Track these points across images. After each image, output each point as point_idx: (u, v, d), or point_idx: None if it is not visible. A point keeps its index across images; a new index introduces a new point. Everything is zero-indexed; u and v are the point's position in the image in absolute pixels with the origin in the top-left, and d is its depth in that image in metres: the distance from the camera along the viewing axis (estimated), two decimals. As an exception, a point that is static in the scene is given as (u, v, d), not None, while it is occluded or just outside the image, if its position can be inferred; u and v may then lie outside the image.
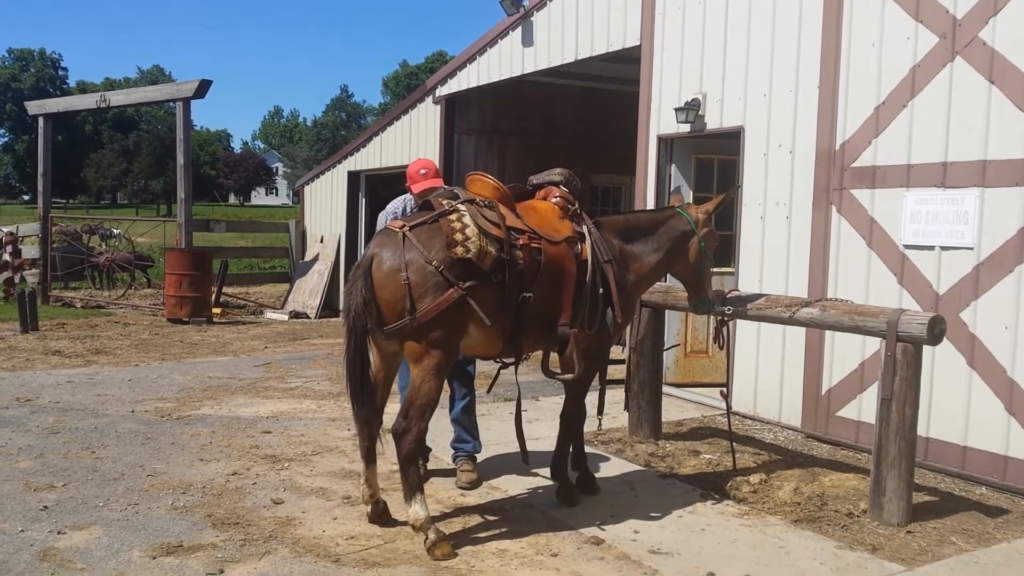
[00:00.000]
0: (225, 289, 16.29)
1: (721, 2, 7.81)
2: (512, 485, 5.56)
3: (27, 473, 5.59)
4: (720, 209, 5.59)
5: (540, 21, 10.36)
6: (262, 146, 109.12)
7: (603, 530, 4.80)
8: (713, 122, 7.97)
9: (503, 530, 4.77)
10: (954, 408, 5.98)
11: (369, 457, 4.73)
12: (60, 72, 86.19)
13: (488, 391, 5.45)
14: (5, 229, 18.60)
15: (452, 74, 12.53)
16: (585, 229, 5.00)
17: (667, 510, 5.14)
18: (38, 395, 7.93)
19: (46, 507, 4.96)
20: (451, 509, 5.11)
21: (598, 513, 5.05)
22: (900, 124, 6.33)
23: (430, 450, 5.87)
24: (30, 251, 17.75)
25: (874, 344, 5.88)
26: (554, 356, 5.01)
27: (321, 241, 16.46)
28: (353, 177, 15.80)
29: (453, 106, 13.20)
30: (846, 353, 6.67)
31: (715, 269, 6.02)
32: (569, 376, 4.99)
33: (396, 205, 5.70)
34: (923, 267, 6.19)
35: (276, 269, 21.17)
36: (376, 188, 15.46)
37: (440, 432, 6.00)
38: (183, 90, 14.83)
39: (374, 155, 14.99)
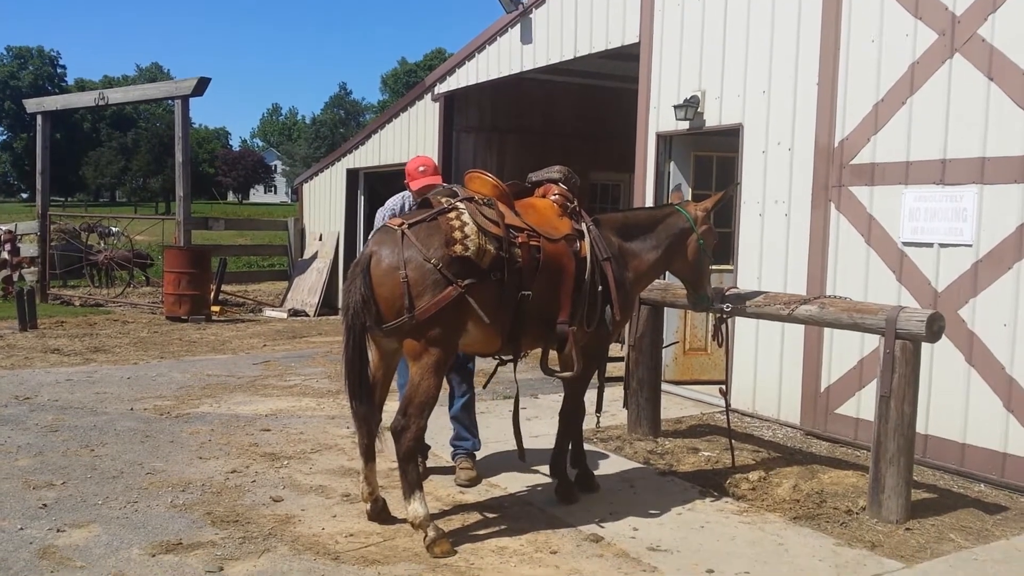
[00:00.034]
0: (224, 287, 16.29)
1: (720, -1, 7.81)
2: (511, 483, 5.56)
3: (26, 471, 5.59)
4: (719, 206, 5.58)
5: (539, 18, 10.36)
6: (261, 144, 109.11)
7: (602, 527, 4.80)
8: (712, 119, 7.97)
9: (502, 527, 4.77)
10: (953, 405, 5.99)
11: (368, 455, 4.73)
12: (58, 70, 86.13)
13: (484, 386, 5.45)
14: (4, 227, 18.60)
15: (451, 71, 12.52)
16: (584, 227, 4.99)
17: (666, 507, 5.14)
18: (37, 393, 7.93)
19: (45, 505, 4.96)
20: (450, 507, 5.11)
21: (597, 510, 5.05)
22: (899, 121, 6.33)
23: (429, 448, 5.86)
24: (29, 249, 17.75)
25: (873, 341, 5.89)
26: (553, 354, 5.01)
27: (320, 239, 16.46)
28: (352, 175, 15.80)
29: (452, 103, 13.20)
30: (845, 350, 6.67)
31: (714, 266, 6.03)
32: (568, 374, 4.99)
33: (395, 202, 5.70)
34: (922, 264, 6.19)
35: (275, 267, 21.18)
36: (375, 186, 15.45)
37: (439, 430, 6.00)
38: (181, 88, 14.83)
39: (373, 153, 14.98)
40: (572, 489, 5.27)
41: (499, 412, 7.25)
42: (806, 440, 6.87)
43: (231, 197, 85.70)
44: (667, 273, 6.01)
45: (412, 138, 13.72)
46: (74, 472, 5.59)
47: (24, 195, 77.17)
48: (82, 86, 74.44)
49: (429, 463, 5.76)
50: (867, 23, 6.56)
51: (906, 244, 6.29)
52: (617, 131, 12.10)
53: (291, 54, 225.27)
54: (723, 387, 6.04)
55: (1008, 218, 5.68)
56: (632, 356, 6.78)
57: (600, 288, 4.93)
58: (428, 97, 13.27)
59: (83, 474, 5.56)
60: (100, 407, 7.45)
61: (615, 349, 6.95)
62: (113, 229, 21.09)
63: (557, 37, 10.05)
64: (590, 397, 5.47)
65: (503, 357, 5.00)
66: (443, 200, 4.63)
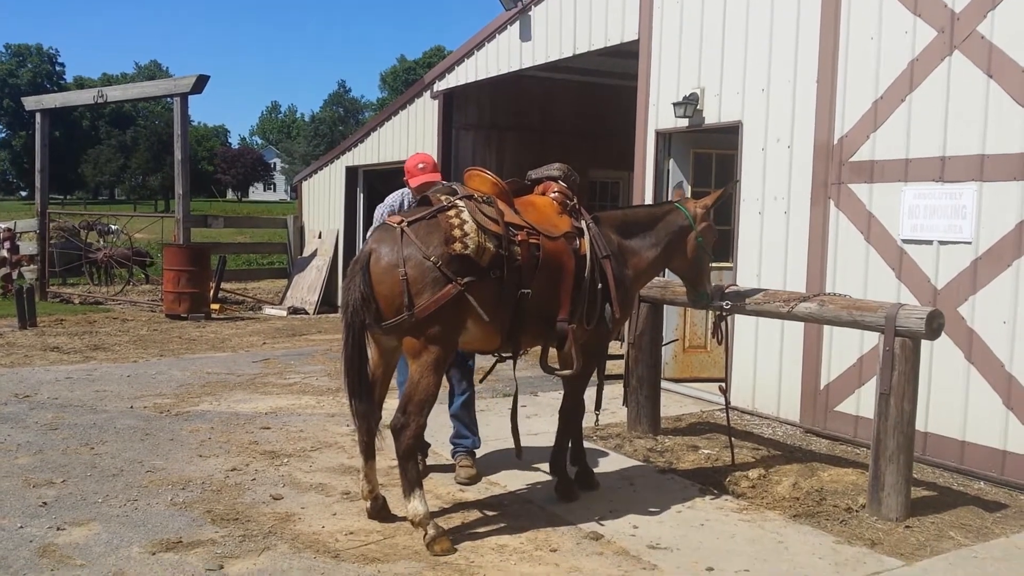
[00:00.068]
0: (223, 285, 16.29)
1: (719, -4, 7.81)
2: (511, 481, 5.56)
3: (26, 469, 5.59)
4: (718, 204, 5.57)
5: (538, 16, 10.35)
6: (260, 141, 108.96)
7: (602, 525, 4.80)
8: (711, 117, 7.96)
9: (502, 525, 4.77)
10: (952, 403, 5.99)
11: (368, 453, 4.73)
12: (57, 68, 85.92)
13: (481, 381, 5.45)
14: (3, 225, 18.58)
15: (450, 69, 12.51)
16: (583, 224, 4.99)
17: (666, 505, 5.15)
18: (37, 391, 7.93)
19: (45, 503, 4.96)
20: (450, 505, 5.11)
21: (597, 508, 5.06)
22: (898, 118, 6.33)
23: (429, 446, 5.86)
24: (28, 247, 17.71)
25: (872, 339, 5.89)
26: (553, 351, 5.01)
27: (319, 237, 16.45)
28: (351, 172, 15.79)
29: (451, 101, 13.19)
30: (844, 348, 6.67)
31: (713, 264, 6.02)
32: (568, 372, 5.00)
33: (394, 199, 5.69)
34: (921, 262, 6.19)
35: (274, 265, 21.15)
36: (374, 183, 15.44)
37: (439, 428, 6.00)
38: (180, 85, 14.81)
39: (372, 150, 14.98)
40: (572, 487, 5.27)
41: (499, 410, 7.25)
42: (806, 438, 6.87)
43: (230, 195, 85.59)
44: (666, 270, 6.01)
45: (411, 135, 13.71)
46: (74, 470, 5.59)
47: (23, 193, 77.07)
48: (81, 84, 74.32)
49: (429, 461, 5.76)
50: (866, 20, 6.56)
51: (905, 241, 6.29)
52: (616, 128, 12.09)
53: (290, 52, 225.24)
54: (723, 385, 6.04)
55: (1007, 215, 5.68)
56: (632, 354, 6.78)
57: (600, 286, 4.92)
58: (427, 94, 13.26)
59: (83, 472, 5.56)
60: (100, 405, 7.45)
61: (615, 347, 6.95)
62: (112, 227, 21.07)
63: (556, 34, 10.04)
64: (590, 395, 5.47)
65: (503, 355, 5.00)
66: (442, 198, 4.63)
